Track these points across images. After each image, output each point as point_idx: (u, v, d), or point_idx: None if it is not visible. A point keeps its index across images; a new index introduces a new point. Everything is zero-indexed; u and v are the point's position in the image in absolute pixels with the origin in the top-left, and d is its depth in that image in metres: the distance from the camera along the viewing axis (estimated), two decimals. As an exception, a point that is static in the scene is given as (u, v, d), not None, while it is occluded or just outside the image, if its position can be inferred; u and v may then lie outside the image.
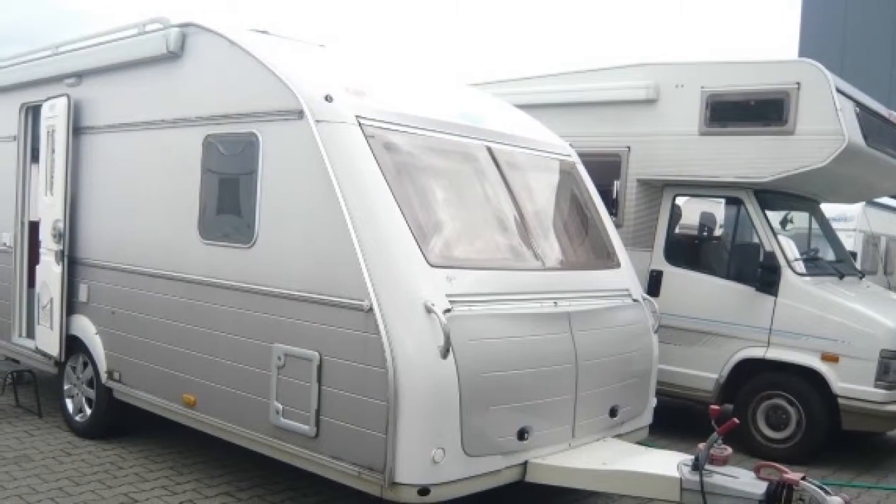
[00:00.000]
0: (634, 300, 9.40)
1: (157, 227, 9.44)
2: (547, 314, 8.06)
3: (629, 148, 12.55)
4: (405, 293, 7.11)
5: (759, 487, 6.89)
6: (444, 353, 6.96)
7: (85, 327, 10.43)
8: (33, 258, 11.47)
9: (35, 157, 11.77)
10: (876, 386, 10.78)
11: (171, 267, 9.14)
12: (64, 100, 10.53)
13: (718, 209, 13.27)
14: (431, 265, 7.33)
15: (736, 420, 7.10)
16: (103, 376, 10.13)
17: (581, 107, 12.97)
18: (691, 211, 13.37)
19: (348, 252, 7.22)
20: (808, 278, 11.49)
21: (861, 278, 13.04)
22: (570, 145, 10.26)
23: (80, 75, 10.66)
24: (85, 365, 10.58)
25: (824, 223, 13.64)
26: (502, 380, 7.42)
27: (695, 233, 13.12)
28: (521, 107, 11.16)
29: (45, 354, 11.06)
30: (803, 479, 6.81)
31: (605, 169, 12.36)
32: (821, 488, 6.73)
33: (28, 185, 12.05)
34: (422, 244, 7.38)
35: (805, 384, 11.17)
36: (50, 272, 10.74)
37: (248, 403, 8.19)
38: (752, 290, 11.49)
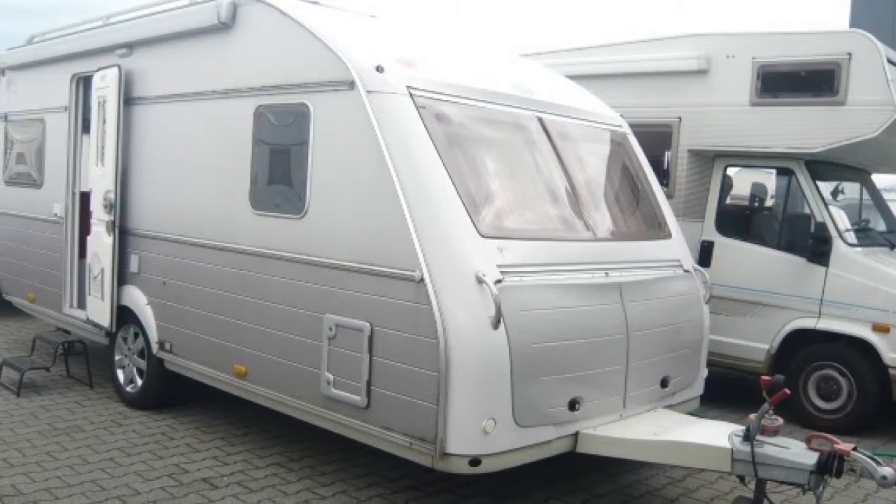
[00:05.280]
0: (685, 271, 9.36)
1: (208, 198, 9.46)
2: (598, 285, 8.04)
3: (680, 119, 12.50)
4: (456, 264, 7.10)
5: (811, 458, 6.86)
6: (496, 323, 6.95)
7: (136, 298, 10.49)
8: (84, 229, 11.55)
9: (86, 128, 11.83)
10: (927, 357, 10.72)
11: (223, 238, 9.17)
12: (115, 70, 10.56)
13: (769, 180, 13.16)
14: (482, 236, 7.31)
15: (787, 391, 7.05)
16: (154, 347, 10.20)
17: (632, 77, 12.92)
18: (742, 181, 13.28)
19: (399, 222, 7.22)
20: (858, 249, 11.40)
21: (913, 249, 12.94)
22: (622, 116, 10.22)
23: (131, 46, 10.69)
24: (136, 335, 10.65)
25: (875, 194, 13.54)
26: (553, 350, 7.41)
27: (746, 203, 13.01)
28: (573, 77, 11.13)
29: (96, 325, 11.13)
30: (854, 449, 6.79)
31: (657, 139, 12.32)
32: (872, 459, 6.71)
33: (79, 155, 12.14)
34: (473, 215, 7.36)
35: (856, 355, 11.11)
36: (101, 243, 10.79)
37: (299, 374, 8.23)
38: (803, 261, 11.42)
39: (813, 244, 11.33)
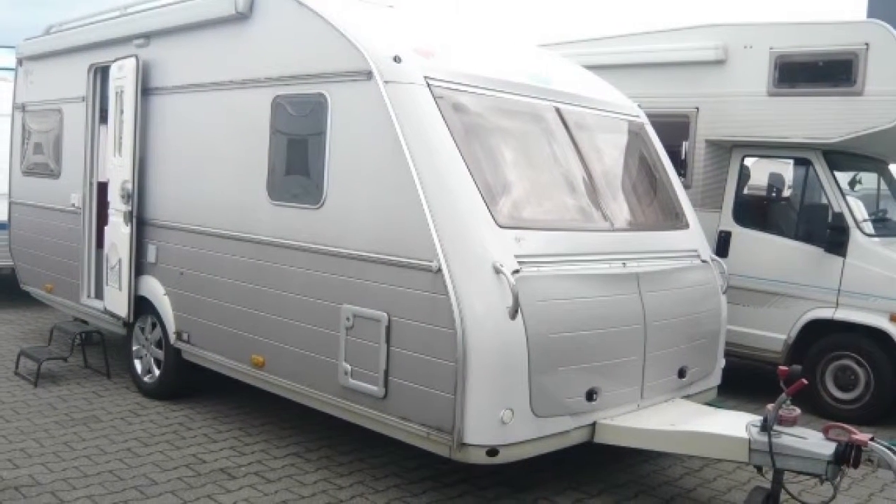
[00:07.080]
0: (703, 261, 9.36)
1: (225, 188, 9.47)
2: (615, 275, 8.04)
3: (698, 109, 12.47)
4: (474, 254, 7.10)
5: (828, 448, 6.86)
6: (513, 313, 6.96)
7: (153, 288, 10.50)
8: (102, 219, 11.57)
9: (104, 118, 11.86)
10: (944, 347, 10.69)
11: (240, 228, 9.18)
12: (132, 60, 10.57)
13: (787, 170, 13.15)
14: (500, 226, 7.31)
15: (804, 381, 7.06)
16: (172, 337, 10.22)
17: (650, 68, 12.90)
18: (760, 171, 13.26)
19: (417, 213, 7.22)
20: (876, 239, 11.36)
21: (930, 240, 12.89)
22: (639, 106, 10.21)
23: (148, 36, 10.70)
24: (153, 326, 10.67)
25: (893, 184, 13.49)
26: (571, 340, 7.41)
27: (763, 193, 13.00)
28: (590, 68, 11.11)
29: (113, 315, 11.15)
30: (872, 439, 6.80)
31: (674, 130, 12.29)
32: (889, 449, 6.73)
33: (97, 145, 12.15)
34: (490, 205, 7.35)
35: (874, 345, 11.07)
36: (118, 233, 10.81)
37: (316, 364, 8.24)
38: (820, 251, 11.38)
39: (830, 234, 11.29)
